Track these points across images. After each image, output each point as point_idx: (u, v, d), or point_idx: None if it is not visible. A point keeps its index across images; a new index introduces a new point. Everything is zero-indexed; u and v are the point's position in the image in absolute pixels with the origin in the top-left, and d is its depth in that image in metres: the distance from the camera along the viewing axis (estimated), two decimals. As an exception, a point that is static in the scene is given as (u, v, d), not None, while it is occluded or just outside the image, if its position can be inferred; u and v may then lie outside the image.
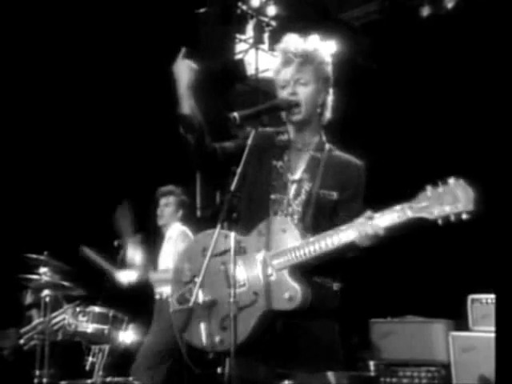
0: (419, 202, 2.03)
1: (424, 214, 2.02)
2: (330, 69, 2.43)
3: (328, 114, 2.44)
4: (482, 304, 5.05)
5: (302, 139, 2.41)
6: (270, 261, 2.22)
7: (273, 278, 2.19)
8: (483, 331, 4.82)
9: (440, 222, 1.99)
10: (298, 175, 2.36)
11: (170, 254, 4.45)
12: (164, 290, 4.36)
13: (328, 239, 2.14)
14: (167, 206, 4.60)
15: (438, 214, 1.98)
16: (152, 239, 4.76)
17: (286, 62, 2.37)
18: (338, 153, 2.43)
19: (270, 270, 2.21)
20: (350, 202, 2.33)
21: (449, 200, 1.96)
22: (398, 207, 2.07)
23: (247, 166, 2.20)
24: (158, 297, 4.40)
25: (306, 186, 2.32)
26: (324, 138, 2.44)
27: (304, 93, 2.35)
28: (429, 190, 2.01)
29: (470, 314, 5.09)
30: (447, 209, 1.96)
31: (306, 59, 2.36)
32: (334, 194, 2.29)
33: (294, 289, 2.15)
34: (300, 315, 2.19)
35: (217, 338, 2.24)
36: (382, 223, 2.08)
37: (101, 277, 4.39)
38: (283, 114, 2.40)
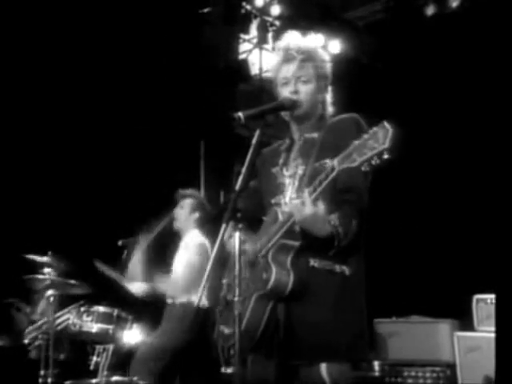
0: (345, 154, 1.99)
1: (347, 164, 1.97)
2: (329, 67, 2.43)
3: (330, 110, 2.44)
4: (487, 304, 5.04)
5: (303, 135, 2.41)
6: (257, 248, 2.25)
7: (260, 264, 2.23)
8: (488, 331, 4.79)
9: (364, 167, 1.94)
10: (291, 168, 2.36)
11: (183, 263, 4.38)
12: (176, 299, 4.38)
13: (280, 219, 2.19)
14: (182, 209, 4.56)
15: (360, 160, 1.93)
16: (168, 242, 4.73)
17: (287, 60, 2.37)
18: (335, 120, 2.38)
19: (259, 258, 2.24)
20: (349, 171, 2.13)
21: (370, 144, 1.92)
22: (327, 167, 2.05)
23: (252, 166, 2.19)
24: (170, 301, 4.40)
25: (300, 171, 2.30)
26: (324, 118, 2.41)
27: (305, 91, 2.35)
28: (356, 140, 1.97)
29: (474, 313, 5.08)
30: (368, 153, 1.92)
31: (308, 57, 2.36)
32: (328, 162, 2.14)
33: (270, 269, 2.16)
34: (290, 300, 2.18)
35: (226, 331, 2.27)
36: (310, 195, 2.07)
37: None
38: (285, 114, 2.41)
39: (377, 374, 5.43)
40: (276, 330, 2.21)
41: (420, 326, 5.45)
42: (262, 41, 7.00)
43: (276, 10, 6.69)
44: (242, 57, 7.30)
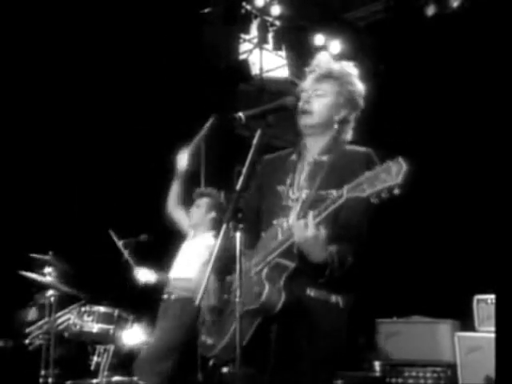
0: (355, 183, 1.99)
1: (356, 193, 1.98)
2: (358, 91, 2.40)
3: (348, 135, 2.40)
4: (488, 304, 5.03)
5: (314, 156, 2.37)
6: (253, 264, 2.24)
7: (253, 279, 2.21)
8: (489, 331, 4.79)
9: (372, 199, 1.94)
10: (297, 191, 2.32)
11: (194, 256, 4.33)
12: (173, 291, 4.35)
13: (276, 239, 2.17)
14: (198, 207, 4.50)
15: (370, 191, 1.94)
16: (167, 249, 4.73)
17: (310, 73, 2.41)
18: (348, 148, 2.36)
19: (252, 272, 2.22)
20: (352, 204, 2.12)
21: (382, 177, 1.92)
22: (335, 194, 2.05)
23: (252, 167, 2.18)
24: (165, 296, 4.37)
25: (303, 195, 2.27)
26: (338, 142, 2.38)
27: (318, 103, 2.35)
28: (368, 171, 1.97)
29: (475, 314, 5.07)
30: (379, 185, 1.92)
31: (330, 74, 2.37)
32: (333, 193, 2.11)
33: (263, 285, 2.15)
34: (282, 321, 2.17)
35: (208, 341, 2.27)
36: (314, 218, 2.06)
37: (114, 271, 4.34)
38: (298, 122, 2.39)
39: (378, 374, 5.42)
40: (263, 347, 2.19)
41: (421, 327, 5.45)
42: (262, 41, 7.00)
43: (276, 10, 6.70)
44: (242, 57, 7.31)
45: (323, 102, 2.34)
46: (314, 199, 2.21)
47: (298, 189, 2.33)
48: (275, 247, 2.18)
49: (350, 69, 2.42)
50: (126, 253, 4.38)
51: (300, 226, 2.07)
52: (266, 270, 2.19)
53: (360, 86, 2.42)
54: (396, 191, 1.91)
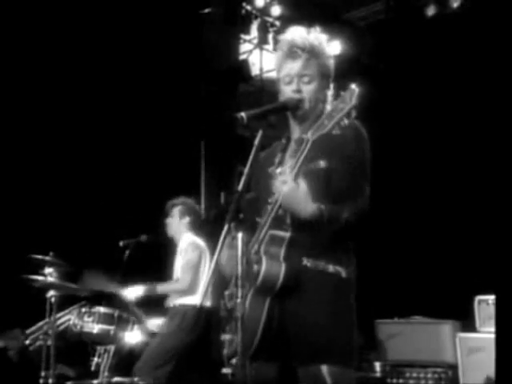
0: (317, 124, 2.06)
1: (319, 132, 2.05)
2: (332, 63, 2.39)
3: (328, 108, 2.35)
4: (489, 305, 5.02)
5: (300, 129, 2.37)
6: (251, 246, 2.22)
7: (254, 259, 2.18)
8: (490, 332, 4.77)
9: (335, 131, 2.02)
10: (284, 166, 2.32)
11: (180, 265, 4.50)
12: (176, 300, 4.43)
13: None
14: (172, 217, 4.67)
15: (331, 124, 2.02)
16: (166, 250, 4.80)
17: (292, 57, 2.32)
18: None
19: (252, 254, 2.20)
20: (343, 168, 2.20)
21: (339, 107, 2.01)
22: (303, 144, 2.11)
23: (253, 167, 2.17)
24: (171, 305, 4.46)
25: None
26: (322, 117, 2.33)
27: (307, 90, 2.31)
28: (329, 109, 2.05)
29: (477, 314, 5.06)
30: (337, 115, 2.00)
31: (312, 54, 2.31)
32: (321, 163, 2.20)
33: (261, 261, 2.14)
34: (284, 296, 2.14)
35: (227, 337, 2.27)
36: (290, 171, 2.12)
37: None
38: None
39: (378, 374, 5.42)
40: (276, 329, 2.17)
41: (422, 327, 5.44)
42: (262, 41, 7.01)
43: (276, 10, 6.71)
44: (242, 57, 7.31)
45: (311, 88, 2.32)
46: (303, 174, 2.19)
47: (284, 165, 2.32)
48: (266, 219, 2.18)
49: (323, 38, 2.36)
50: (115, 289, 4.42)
51: (278, 184, 2.12)
52: (262, 246, 2.19)
53: (332, 57, 2.40)
54: (353, 114, 2.00)
